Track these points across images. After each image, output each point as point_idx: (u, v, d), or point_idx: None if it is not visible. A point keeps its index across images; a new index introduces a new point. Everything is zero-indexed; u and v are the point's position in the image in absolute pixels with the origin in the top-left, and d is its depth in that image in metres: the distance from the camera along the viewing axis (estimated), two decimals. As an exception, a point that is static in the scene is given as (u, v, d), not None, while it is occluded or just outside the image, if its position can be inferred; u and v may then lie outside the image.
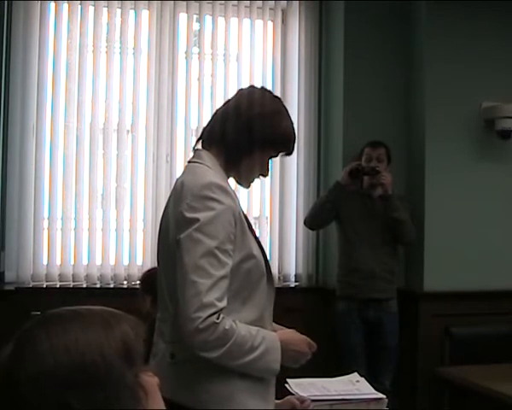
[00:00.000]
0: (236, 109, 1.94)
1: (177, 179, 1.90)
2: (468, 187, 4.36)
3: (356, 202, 4.07)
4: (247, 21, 4.59)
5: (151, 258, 4.31)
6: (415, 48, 4.49)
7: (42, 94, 4.22)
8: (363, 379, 2.33)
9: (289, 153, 2.03)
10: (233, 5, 4.56)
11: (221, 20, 4.54)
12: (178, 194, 1.81)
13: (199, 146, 1.98)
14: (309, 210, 4.22)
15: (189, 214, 1.75)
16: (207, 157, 1.91)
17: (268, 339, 1.81)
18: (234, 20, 4.57)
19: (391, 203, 3.96)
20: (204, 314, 1.68)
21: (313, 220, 4.12)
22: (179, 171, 4.39)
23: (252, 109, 1.92)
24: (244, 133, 1.89)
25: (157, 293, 2.44)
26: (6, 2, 4.10)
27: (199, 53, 4.53)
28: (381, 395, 2.22)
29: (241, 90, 2.04)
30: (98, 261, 4.27)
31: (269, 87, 4.71)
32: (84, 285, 4.22)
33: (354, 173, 4.00)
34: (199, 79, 4.49)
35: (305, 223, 4.22)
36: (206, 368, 1.76)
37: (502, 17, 4.43)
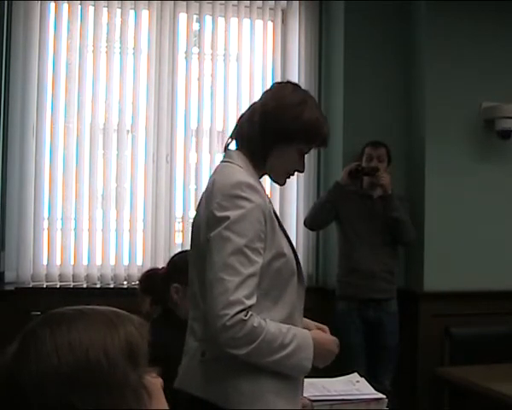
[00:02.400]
0: (260, 105, 1.95)
1: (209, 179, 1.91)
2: (468, 187, 4.36)
3: (356, 203, 4.07)
4: (247, 21, 4.59)
5: (151, 258, 4.32)
6: (415, 48, 4.49)
7: (42, 94, 4.22)
8: (363, 379, 2.33)
9: (320, 145, 2.01)
10: (233, 5, 4.55)
11: (221, 20, 4.54)
12: (209, 193, 1.82)
13: (231, 146, 1.98)
14: (309, 210, 4.22)
15: (218, 213, 1.75)
16: (237, 156, 1.91)
17: (300, 336, 1.81)
18: (234, 20, 4.57)
19: (390, 203, 3.96)
20: (231, 312, 1.68)
21: (313, 221, 4.12)
22: (179, 171, 4.41)
23: (272, 103, 1.91)
24: (262, 129, 1.89)
25: (156, 294, 2.43)
26: (6, 2, 4.10)
27: (199, 53, 4.53)
28: (380, 395, 2.22)
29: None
30: (98, 261, 4.27)
31: (268, 87, 4.69)
32: (85, 285, 4.22)
33: (354, 174, 4.00)
34: (199, 79, 4.49)
35: (304, 223, 4.22)
36: (236, 366, 1.76)
37: (502, 17, 4.43)
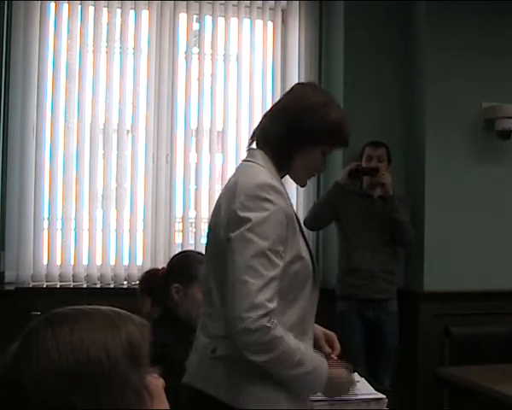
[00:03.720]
0: (283, 106, 1.95)
1: (230, 178, 1.91)
2: (468, 187, 4.36)
3: (355, 203, 4.07)
4: (247, 21, 4.59)
5: (151, 258, 4.32)
6: (415, 48, 4.48)
7: (42, 94, 4.22)
8: (363, 379, 2.33)
9: (343, 146, 2.01)
10: (233, 5, 4.55)
11: (221, 20, 4.54)
12: (231, 192, 1.81)
13: (253, 145, 1.97)
14: (309, 211, 4.22)
15: (241, 213, 1.75)
16: (260, 156, 1.90)
17: (318, 362, 1.81)
18: (234, 20, 4.56)
19: (392, 204, 3.95)
20: (254, 315, 1.68)
21: (313, 221, 4.12)
22: (179, 171, 4.41)
23: (296, 104, 1.91)
24: (288, 129, 1.88)
25: (157, 294, 2.43)
26: (6, 2, 4.10)
27: (199, 53, 4.53)
28: (381, 395, 2.22)
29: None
30: (98, 261, 4.27)
31: (269, 87, 4.68)
32: (85, 285, 4.22)
33: (354, 174, 4.00)
34: (199, 79, 4.49)
35: (304, 223, 4.20)
36: (246, 368, 1.76)
37: (502, 17, 4.42)
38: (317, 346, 2.01)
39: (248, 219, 1.73)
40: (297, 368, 1.75)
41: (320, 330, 2.03)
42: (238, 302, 1.69)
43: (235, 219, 1.76)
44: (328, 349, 2.06)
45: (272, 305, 1.70)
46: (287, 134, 1.88)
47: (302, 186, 2.06)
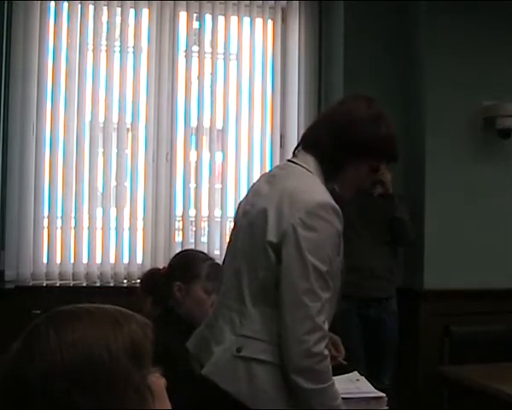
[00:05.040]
0: (333, 118, 1.93)
1: (280, 177, 1.89)
2: (469, 186, 4.36)
3: (355, 201, 4.04)
4: (246, 20, 4.59)
5: (151, 256, 4.32)
6: (415, 47, 4.48)
7: (42, 93, 4.22)
8: (363, 378, 2.33)
9: (391, 161, 1.99)
10: (233, 4, 4.55)
11: (221, 19, 4.54)
12: (287, 200, 1.79)
13: (299, 149, 1.96)
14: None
15: (302, 232, 1.75)
16: (313, 164, 1.89)
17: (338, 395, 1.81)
18: (234, 19, 4.56)
19: (392, 203, 3.95)
20: (313, 338, 1.70)
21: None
22: (179, 169, 4.41)
23: (347, 117, 1.90)
24: (338, 141, 1.87)
25: (157, 293, 2.42)
26: (6, 2, 4.10)
27: (199, 51, 4.53)
28: (380, 394, 2.22)
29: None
30: (98, 260, 4.27)
31: (268, 86, 4.65)
32: (84, 284, 4.22)
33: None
34: (199, 78, 4.49)
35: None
36: (269, 373, 1.77)
37: (502, 16, 4.42)
38: None
39: (309, 239, 1.74)
40: (329, 404, 1.76)
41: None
42: (298, 325, 1.70)
43: (292, 235, 1.75)
44: (334, 352, 2.09)
45: (326, 327, 1.74)
46: (336, 145, 1.87)
47: (348, 200, 2.05)
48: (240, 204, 2.04)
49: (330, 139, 1.88)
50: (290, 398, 1.78)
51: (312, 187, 1.83)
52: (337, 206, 1.82)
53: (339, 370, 1.97)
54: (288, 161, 1.98)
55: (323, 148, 1.88)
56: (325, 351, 1.72)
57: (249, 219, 1.89)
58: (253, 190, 1.98)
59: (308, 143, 1.94)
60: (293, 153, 1.98)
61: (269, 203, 1.83)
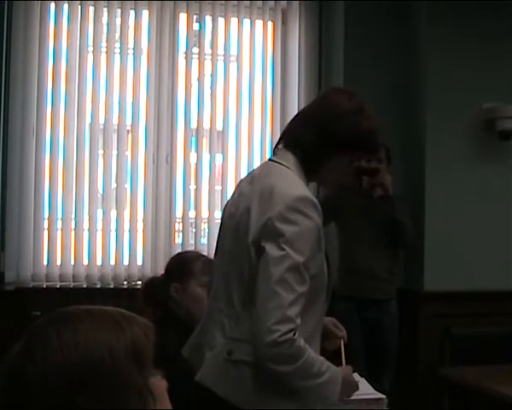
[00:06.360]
0: (313, 111, 1.93)
1: (260, 177, 1.88)
2: (469, 187, 4.36)
3: (355, 203, 4.06)
4: (247, 21, 4.59)
5: (151, 258, 4.31)
6: (415, 48, 4.48)
7: (42, 94, 4.22)
8: (363, 379, 2.33)
9: (372, 155, 1.99)
10: (233, 5, 4.55)
11: (221, 21, 4.54)
12: (267, 196, 1.79)
13: (279, 147, 1.95)
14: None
15: (280, 225, 1.73)
16: (292, 161, 1.88)
17: (332, 369, 1.81)
18: (234, 20, 4.57)
19: (392, 205, 3.95)
20: (283, 328, 1.67)
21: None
22: (179, 171, 4.41)
23: (327, 110, 1.90)
24: (319, 135, 1.87)
25: (158, 298, 2.42)
26: (6, 2, 4.10)
27: (199, 53, 4.53)
28: (381, 395, 2.22)
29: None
30: (98, 261, 4.27)
31: (269, 87, 4.66)
32: (85, 285, 4.21)
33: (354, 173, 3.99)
34: (199, 79, 4.49)
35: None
36: (261, 375, 1.76)
37: (502, 17, 4.42)
38: (328, 332, 2.05)
39: (286, 232, 1.72)
40: (317, 378, 1.75)
41: (328, 320, 2.05)
42: (268, 314, 1.68)
43: (271, 229, 1.74)
44: (340, 333, 2.11)
45: (298, 320, 1.71)
46: (317, 140, 1.87)
47: (331, 194, 2.04)
48: (225, 206, 2.04)
49: (312, 134, 1.87)
50: (281, 398, 1.78)
51: (291, 183, 1.82)
52: (316, 200, 1.80)
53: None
54: (269, 159, 1.98)
55: (304, 143, 1.88)
56: (294, 336, 1.68)
57: (235, 220, 1.89)
58: (238, 192, 1.98)
59: (288, 139, 1.93)
60: (273, 151, 1.98)
61: (250, 203, 1.83)
